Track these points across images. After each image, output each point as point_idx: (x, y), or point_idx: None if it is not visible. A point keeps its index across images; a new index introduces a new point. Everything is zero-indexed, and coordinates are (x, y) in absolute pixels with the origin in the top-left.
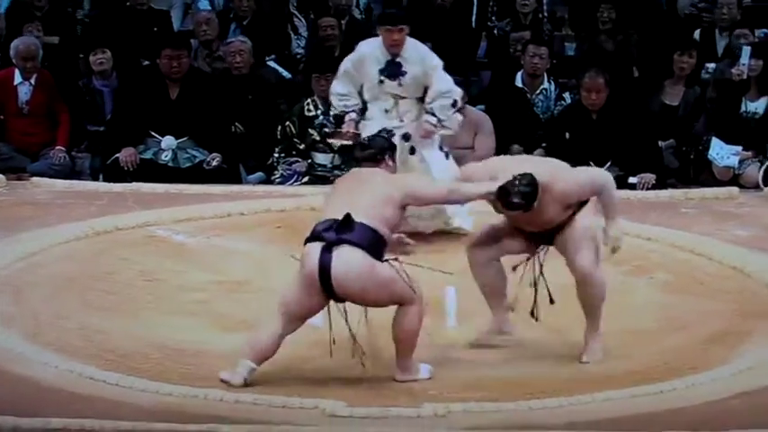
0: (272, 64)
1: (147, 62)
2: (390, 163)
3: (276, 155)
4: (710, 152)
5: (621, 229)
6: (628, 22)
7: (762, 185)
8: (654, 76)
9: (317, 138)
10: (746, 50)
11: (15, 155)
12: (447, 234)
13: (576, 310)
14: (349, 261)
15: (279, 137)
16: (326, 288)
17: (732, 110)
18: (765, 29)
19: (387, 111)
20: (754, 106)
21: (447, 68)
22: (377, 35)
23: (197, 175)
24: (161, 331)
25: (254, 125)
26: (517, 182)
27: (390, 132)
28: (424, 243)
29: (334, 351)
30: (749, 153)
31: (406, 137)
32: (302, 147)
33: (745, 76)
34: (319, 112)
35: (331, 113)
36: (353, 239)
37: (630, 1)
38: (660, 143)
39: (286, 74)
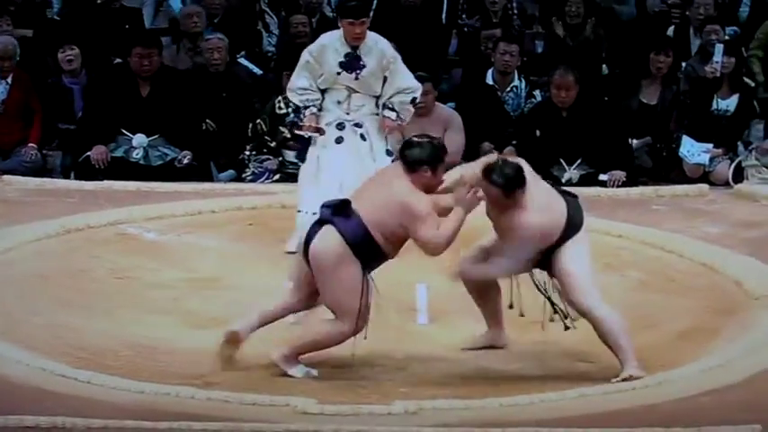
0: (242, 61)
1: (118, 60)
2: (428, 174)
3: (247, 152)
4: (681, 149)
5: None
6: (596, 18)
7: (732, 183)
8: (627, 73)
9: (288, 135)
10: (719, 48)
11: None
12: None
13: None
14: (326, 241)
15: (250, 134)
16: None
17: (704, 107)
18: (735, 26)
19: (339, 102)
20: (726, 104)
21: (418, 66)
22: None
23: (168, 172)
24: (133, 329)
25: (227, 123)
26: (505, 165)
27: (341, 125)
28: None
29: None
30: (719, 150)
31: (357, 125)
32: (273, 144)
33: (718, 74)
34: (290, 110)
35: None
36: (340, 226)
37: None
38: (636, 141)
39: (257, 70)
